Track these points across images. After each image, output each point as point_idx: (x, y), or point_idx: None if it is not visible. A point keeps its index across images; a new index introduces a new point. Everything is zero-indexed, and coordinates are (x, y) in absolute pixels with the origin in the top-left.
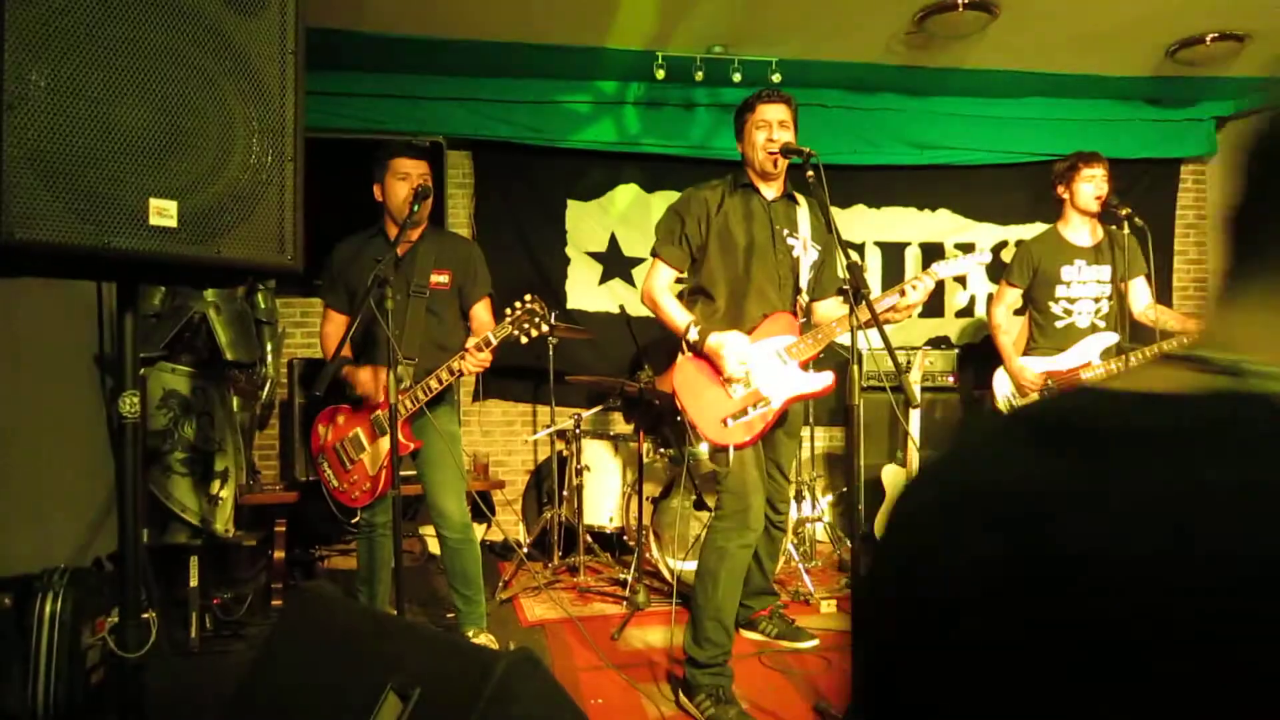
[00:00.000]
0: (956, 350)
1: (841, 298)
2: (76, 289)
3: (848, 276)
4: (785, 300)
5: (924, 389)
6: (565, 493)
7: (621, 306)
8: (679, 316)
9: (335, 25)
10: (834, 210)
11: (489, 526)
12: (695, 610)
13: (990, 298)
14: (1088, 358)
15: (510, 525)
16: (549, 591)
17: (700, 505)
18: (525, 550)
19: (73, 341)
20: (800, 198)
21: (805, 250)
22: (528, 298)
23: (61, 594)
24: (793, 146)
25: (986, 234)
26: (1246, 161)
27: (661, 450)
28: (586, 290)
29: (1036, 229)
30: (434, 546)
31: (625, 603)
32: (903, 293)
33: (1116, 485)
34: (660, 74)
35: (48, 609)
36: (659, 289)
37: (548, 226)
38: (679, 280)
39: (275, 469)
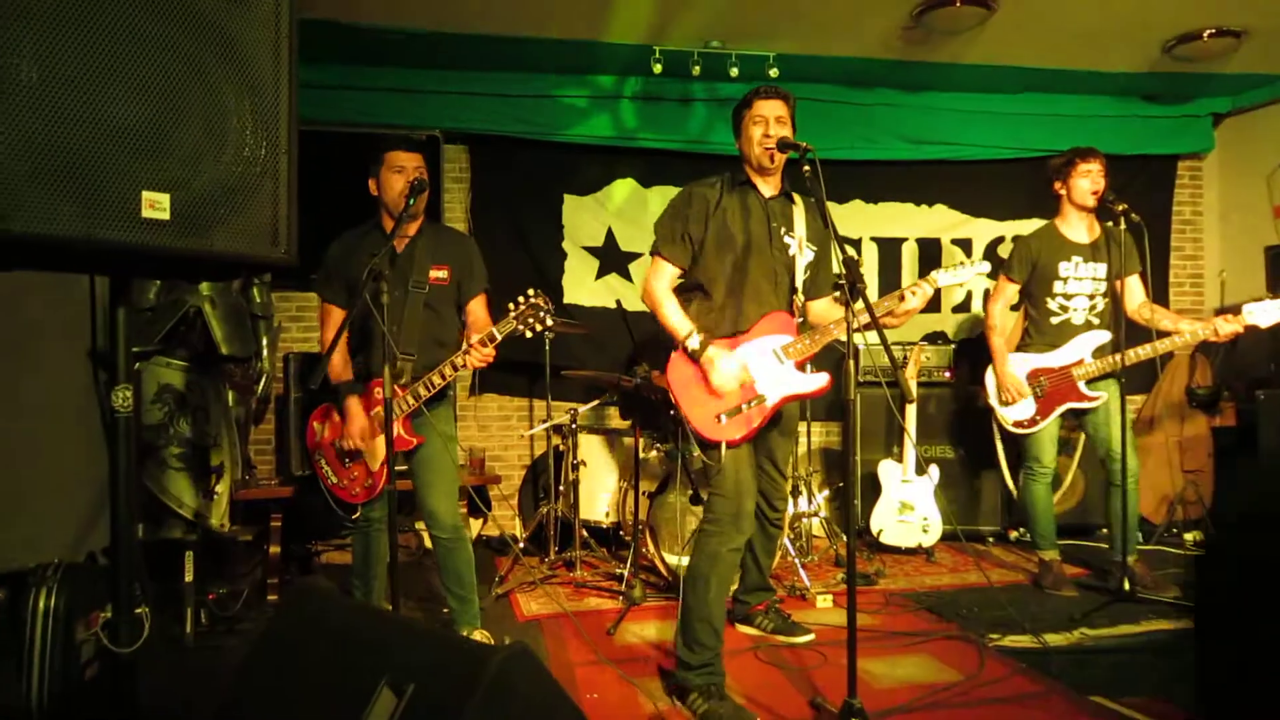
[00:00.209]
0: (953, 346)
1: (837, 297)
2: (70, 282)
3: (843, 271)
4: (782, 299)
5: (920, 384)
6: (561, 488)
7: (618, 301)
8: (680, 324)
9: (332, 18)
10: (831, 206)
11: (485, 522)
12: (685, 613)
13: (987, 293)
14: (1080, 355)
15: (507, 520)
16: (545, 586)
17: (696, 500)
18: (521, 545)
19: (66, 335)
20: (797, 197)
21: (801, 250)
22: (531, 292)
23: (55, 589)
24: (789, 141)
25: (983, 229)
26: None
27: (658, 445)
28: (583, 285)
29: (1034, 224)
30: (430, 542)
31: (621, 597)
32: (901, 298)
33: None
34: (657, 68)
35: (41, 604)
36: (661, 290)
37: (544, 221)
38: (679, 276)
39: (271, 464)
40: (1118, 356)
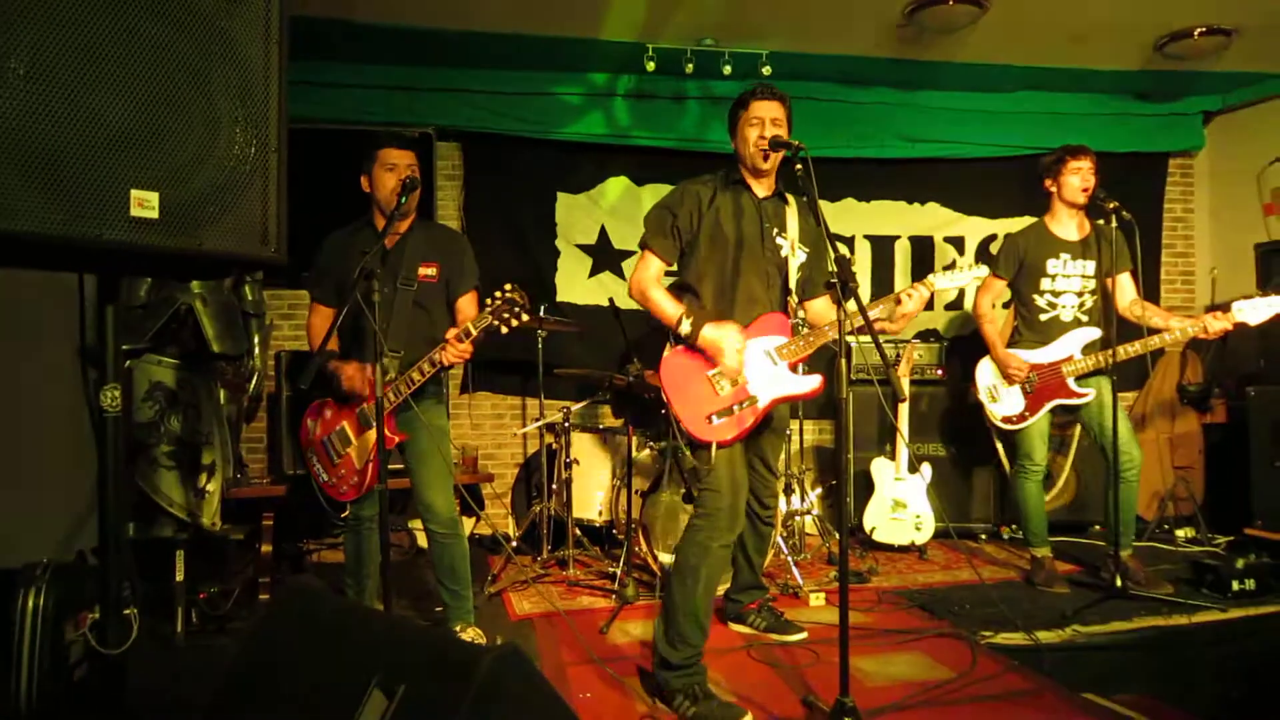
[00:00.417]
0: (945, 343)
1: (829, 296)
2: (58, 279)
3: (835, 269)
4: (774, 300)
5: (912, 382)
6: (554, 486)
7: (611, 299)
8: (670, 308)
9: (325, 15)
10: (823, 204)
11: (478, 520)
12: (670, 607)
13: (977, 289)
14: (1070, 351)
15: (499, 519)
16: (537, 585)
17: (689, 498)
18: (514, 544)
19: (55, 332)
20: (790, 198)
21: (793, 251)
22: (508, 287)
23: (44, 589)
24: (781, 140)
25: (976, 227)
26: None
27: (651, 444)
28: (576, 283)
29: (1026, 222)
30: (423, 540)
31: (614, 596)
32: (898, 301)
33: None
34: (650, 66)
35: (29, 604)
36: (649, 280)
37: (537, 219)
38: (667, 274)
39: (263, 462)
40: (1107, 353)
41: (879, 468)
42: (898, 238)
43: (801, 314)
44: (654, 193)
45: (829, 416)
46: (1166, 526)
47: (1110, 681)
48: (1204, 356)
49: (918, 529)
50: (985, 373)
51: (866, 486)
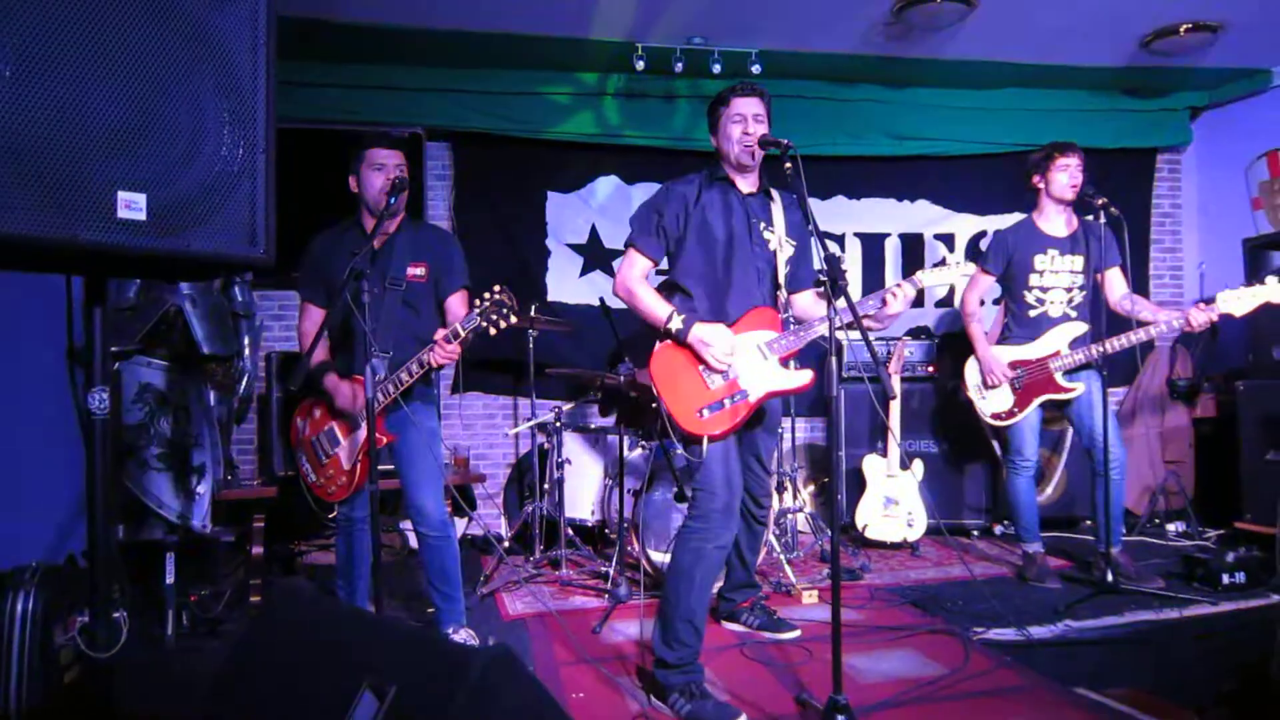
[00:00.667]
0: (936, 340)
1: (819, 292)
2: (47, 279)
3: (825, 268)
4: (765, 294)
5: (903, 379)
6: (546, 486)
7: (602, 299)
8: (658, 307)
9: (314, 14)
10: (813, 202)
11: (470, 521)
12: (666, 610)
13: (966, 285)
14: (1057, 346)
15: (491, 519)
16: (530, 585)
17: (682, 497)
18: (506, 544)
19: (42, 334)
20: (775, 194)
21: (781, 246)
22: (496, 288)
23: (33, 592)
24: (770, 138)
25: (966, 224)
26: None
27: (642, 443)
28: (567, 282)
29: (1015, 219)
30: (415, 541)
31: (607, 596)
32: (884, 301)
33: None
34: (640, 65)
35: (19, 607)
36: (635, 279)
37: (528, 218)
38: (656, 272)
39: (253, 464)
40: (1095, 348)
41: (871, 465)
42: (888, 235)
43: (789, 308)
44: (644, 191)
45: (820, 414)
46: (1157, 521)
47: (1102, 676)
48: (1193, 351)
49: (910, 525)
50: (975, 370)
51: (858, 484)
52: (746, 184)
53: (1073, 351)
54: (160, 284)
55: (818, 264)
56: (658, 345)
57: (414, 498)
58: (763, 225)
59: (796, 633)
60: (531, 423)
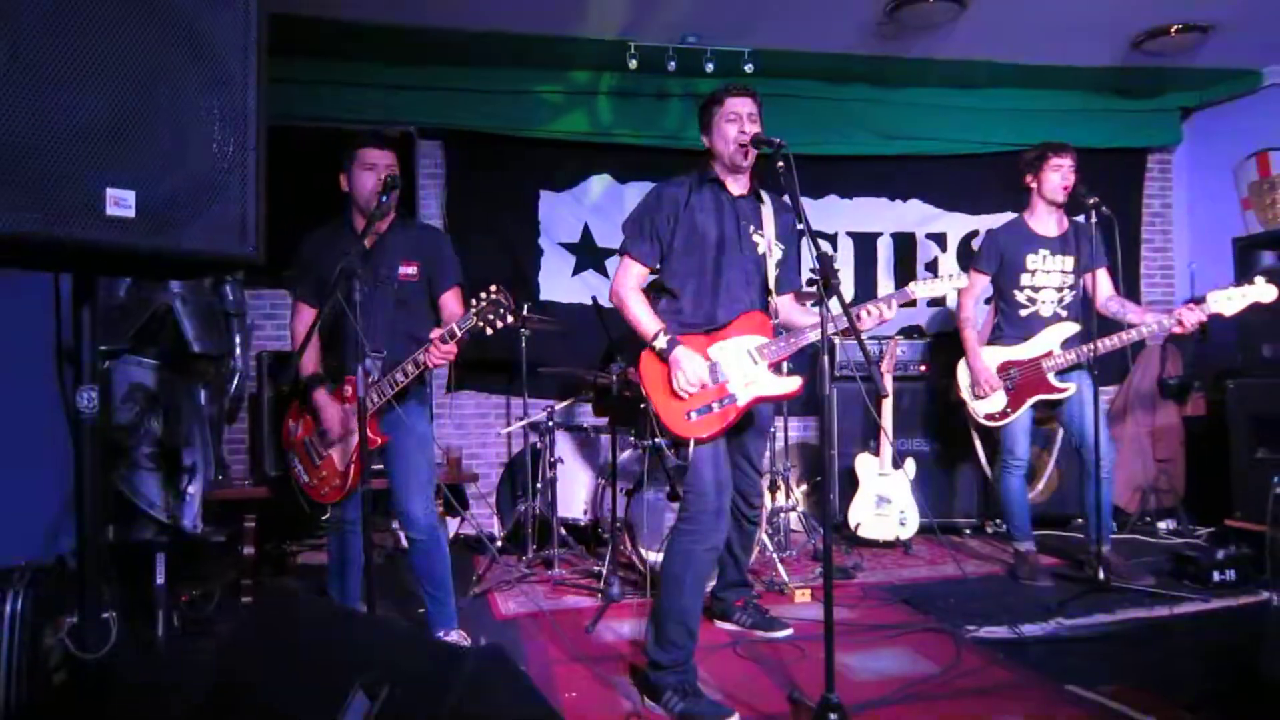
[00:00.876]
0: (929, 339)
1: (799, 295)
2: (35, 277)
3: (817, 267)
4: (755, 298)
5: (896, 378)
6: (539, 485)
7: (594, 298)
8: (647, 322)
9: (306, 12)
10: (806, 201)
11: (463, 520)
12: (659, 613)
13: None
14: (1049, 346)
15: (484, 519)
16: (523, 585)
17: (675, 497)
18: (499, 544)
19: (31, 332)
20: (765, 196)
21: (770, 249)
22: (493, 288)
23: (22, 593)
24: (763, 137)
25: (957, 224)
26: None
27: (635, 443)
28: (559, 281)
29: (1007, 218)
30: (406, 542)
31: (600, 595)
32: (869, 311)
33: None
34: (633, 64)
35: (7, 608)
36: (628, 288)
37: (520, 217)
38: (649, 275)
39: (245, 464)
40: (1087, 347)
41: (863, 464)
42: (880, 234)
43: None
44: (637, 190)
45: (813, 413)
46: (1148, 519)
47: (1093, 673)
48: (1184, 350)
49: (902, 524)
50: (967, 371)
51: (851, 483)
52: (737, 186)
53: (1065, 351)
54: (150, 282)
55: (810, 264)
56: (646, 348)
57: (402, 503)
58: (752, 228)
59: (789, 631)
60: (524, 422)
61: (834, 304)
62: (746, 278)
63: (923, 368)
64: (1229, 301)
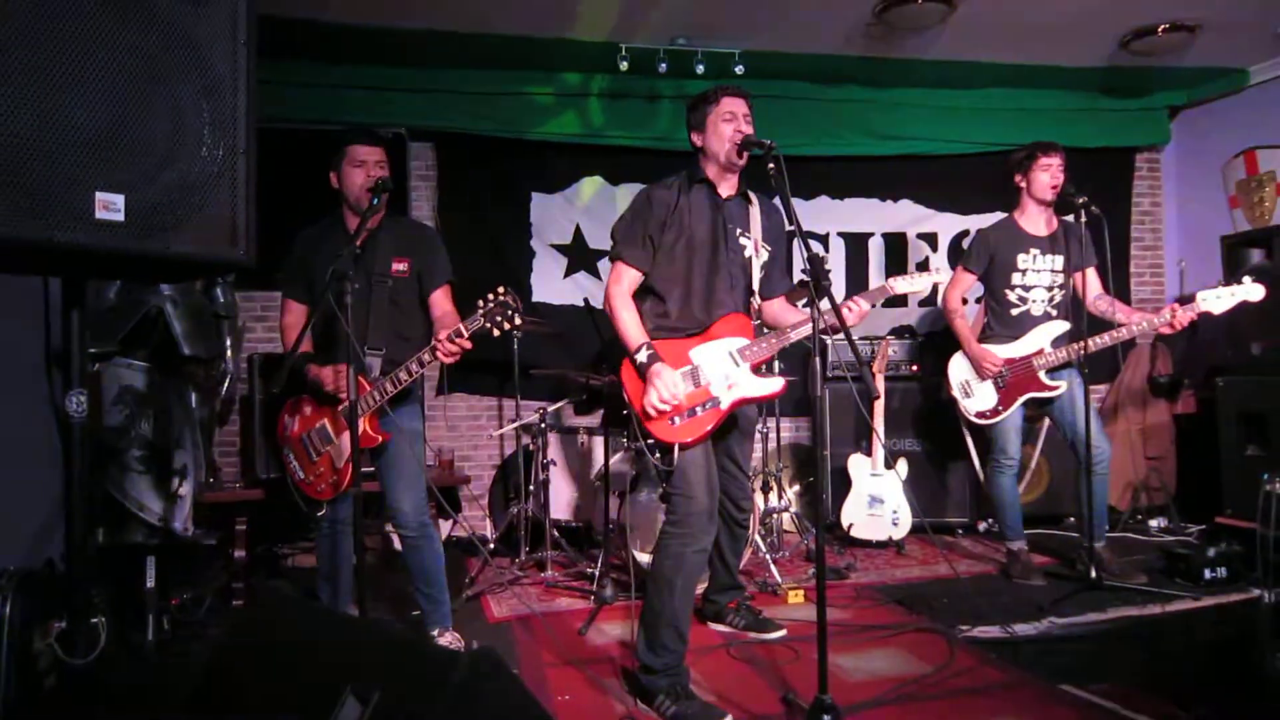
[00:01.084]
0: (920, 339)
1: (791, 295)
2: (24, 281)
3: (807, 267)
4: (737, 301)
5: (887, 378)
6: (532, 487)
7: (586, 300)
8: (634, 334)
9: (296, 14)
10: (797, 202)
11: (455, 523)
12: (650, 616)
13: (948, 284)
14: (1040, 345)
15: (477, 521)
16: (515, 588)
17: (667, 498)
18: (491, 546)
19: (20, 334)
20: (753, 197)
21: (757, 251)
22: (500, 290)
23: (10, 597)
24: (754, 139)
25: (948, 223)
26: None
27: (627, 444)
28: (551, 283)
29: (997, 218)
30: (399, 541)
31: (592, 597)
32: (850, 307)
33: None
34: (624, 66)
35: None
36: (621, 296)
37: (512, 219)
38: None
39: (236, 466)
40: (1077, 345)
41: (855, 464)
42: (871, 235)
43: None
44: (629, 192)
45: (805, 414)
46: (1139, 516)
47: (1087, 672)
48: (1174, 348)
49: (895, 524)
50: (958, 368)
51: (844, 483)
52: (726, 187)
53: (1055, 350)
54: (141, 285)
55: (800, 264)
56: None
57: (393, 499)
58: (739, 231)
59: (782, 632)
60: (516, 424)
61: (825, 304)
62: (731, 280)
63: (914, 368)
64: (1218, 300)
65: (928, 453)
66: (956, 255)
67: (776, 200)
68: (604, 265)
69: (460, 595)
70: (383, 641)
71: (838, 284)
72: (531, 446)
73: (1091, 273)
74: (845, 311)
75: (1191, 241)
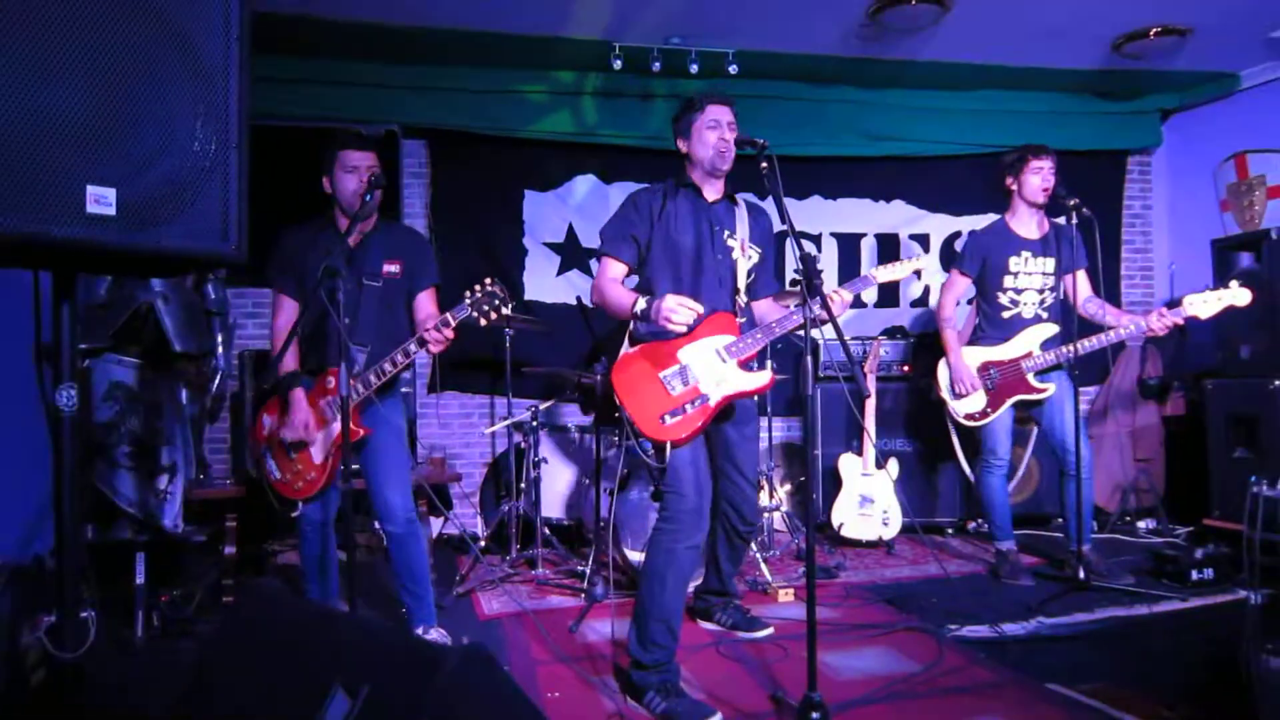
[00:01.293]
0: (912, 340)
1: (782, 295)
2: (14, 275)
3: (801, 268)
4: (724, 301)
5: (878, 378)
6: (523, 485)
7: (579, 298)
8: (625, 296)
9: (289, 10)
10: (790, 202)
11: (446, 520)
12: (640, 612)
13: (942, 287)
14: (1029, 348)
15: (468, 519)
16: (506, 585)
17: (658, 496)
18: (482, 544)
19: (10, 330)
20: (740, 200)
21: (743, 253)
22: (487, 280)
23: (0, 591)
24: (745, 138)
25: (940, 224)
26: None
27: (617, 443)
28: (544, 281)
29: (989, 219)
30: (385, 537)
31: (583, 595)
32: (831, 299)
33: None
34: (618, 65)
35: None
36: (606, 280)
37: (505, 217)
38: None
39: (226, 463)
40: (1066, 348)
41: (846, 464)
42: (864, 235)
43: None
44: (622, 191)
45: (796, 413)
46: (1128, 518)
47: (1074, 671)
48: (1164, 351)
49: (885, 524)
50: (947, 371)
51: (834, 483)
52: (712, 191)
53: (1044, 352)
54: (132, 280)
55: (793, 264)
56: (623, 353)
57: (380, 493)
58: (726, 233)
59: (771, 631)
60: (508, 421)
61: (817, 306)
62: (719, 282)
63: (905, 368)
64: (1205, 305)
65: (919, 453)
66: (948, 256)
67: (765, 203)
68: (595, 265)
69: (451, 592)
70: (372, 637)
71: (830, 284)
72: (523, 444)
73: (1082, 275)
74: (847, 292)
75: (1182, 245)
